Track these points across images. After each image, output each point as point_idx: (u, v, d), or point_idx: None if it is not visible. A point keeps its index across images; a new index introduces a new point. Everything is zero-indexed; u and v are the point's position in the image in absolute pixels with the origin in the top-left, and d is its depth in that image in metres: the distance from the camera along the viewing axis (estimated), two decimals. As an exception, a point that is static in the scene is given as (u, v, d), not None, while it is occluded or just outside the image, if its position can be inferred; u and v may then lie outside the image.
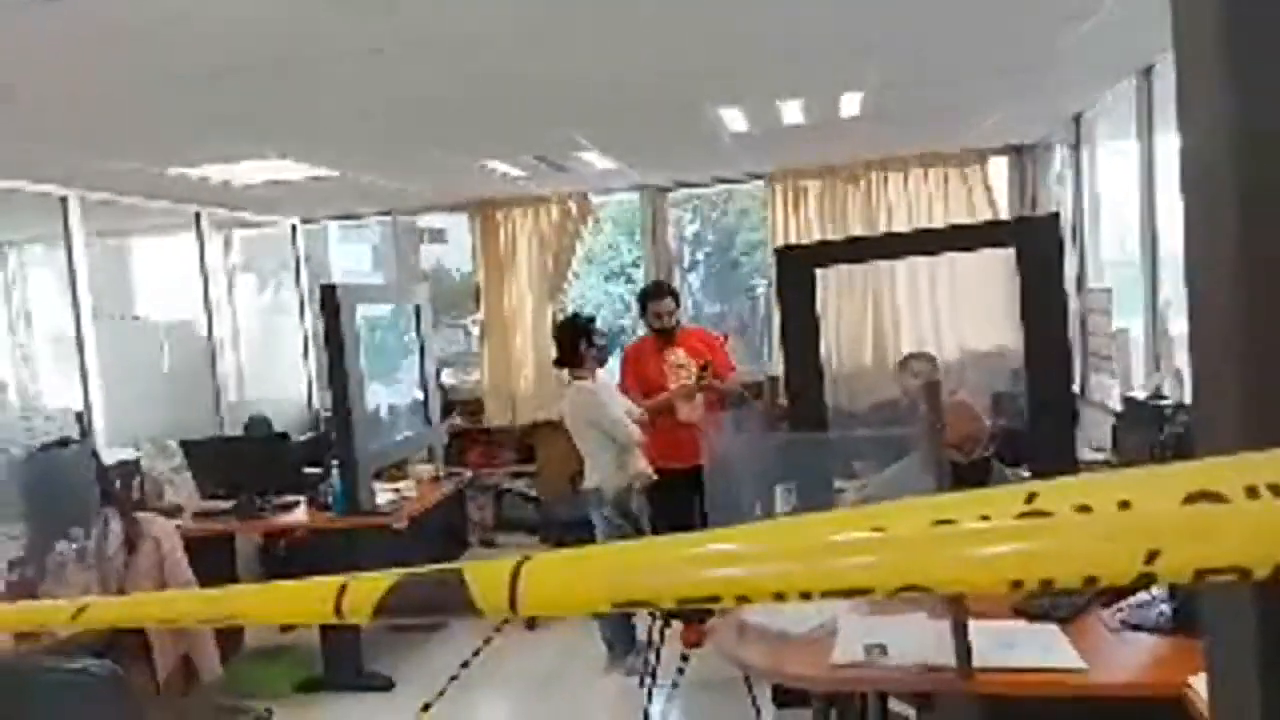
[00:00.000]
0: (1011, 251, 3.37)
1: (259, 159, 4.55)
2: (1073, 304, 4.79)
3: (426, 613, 0.65)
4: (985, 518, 0.52)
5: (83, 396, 4.88)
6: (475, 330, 6.96)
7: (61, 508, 3.13)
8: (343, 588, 0.65)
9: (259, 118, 3.77)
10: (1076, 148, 5.35)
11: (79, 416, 3.57)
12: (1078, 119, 5.21)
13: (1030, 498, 0.53)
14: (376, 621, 0.66)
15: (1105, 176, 5.21)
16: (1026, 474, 3.75)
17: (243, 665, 4.09)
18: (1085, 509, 0.51)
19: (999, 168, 6.06)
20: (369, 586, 0.65)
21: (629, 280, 9.79)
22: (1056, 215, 3.52)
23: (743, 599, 0.54)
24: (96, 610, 0.74)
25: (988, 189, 5.97)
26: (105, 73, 2.98)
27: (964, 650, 2.07)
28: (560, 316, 5.77)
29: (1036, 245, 3.19)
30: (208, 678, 3.45)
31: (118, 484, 3.89)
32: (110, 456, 4.29)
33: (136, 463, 4.45)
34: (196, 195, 5.51)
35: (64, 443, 3.47)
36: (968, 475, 2.81)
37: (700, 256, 10.23)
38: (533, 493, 6.63)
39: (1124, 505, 0.51)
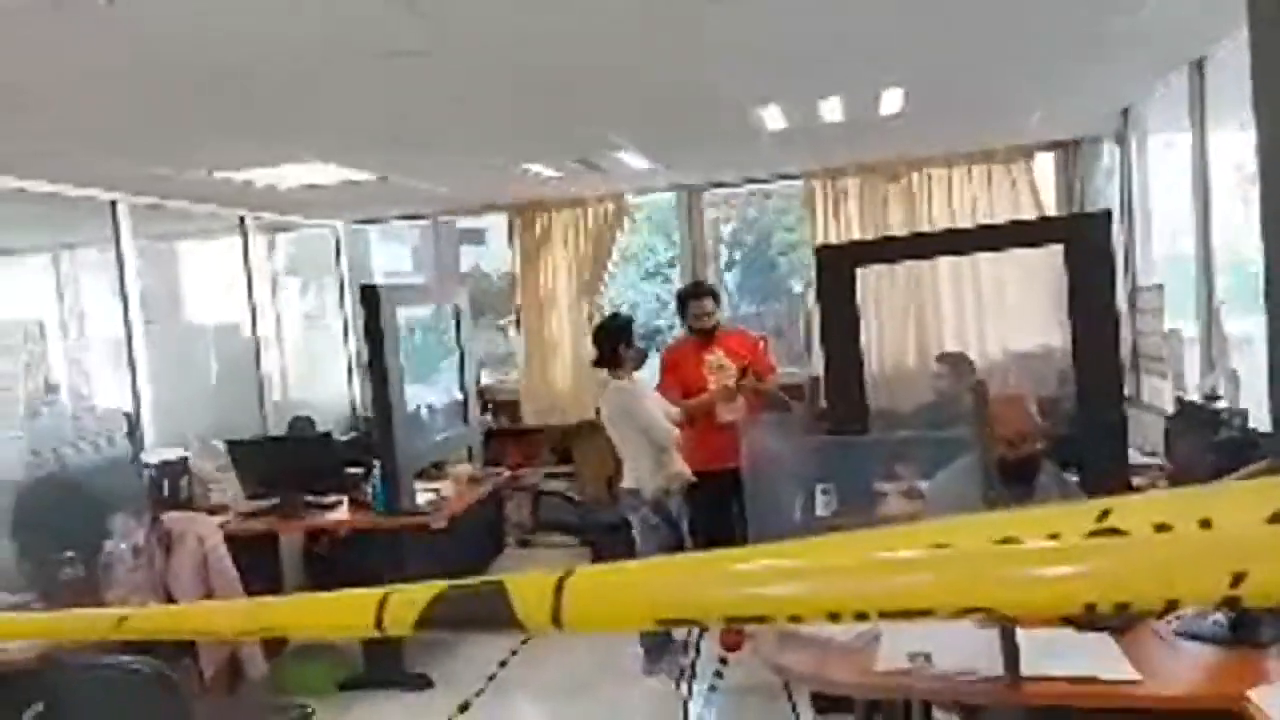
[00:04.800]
0: (1059, 249, 3.29)
1: (302, 162, 4.60)
2: (1122, 303, 4.67)
3: (468, 627, 0.63)
4: (1054, 536, 0.49)
5: (132, 397, 4.98)
6: (512, 331, 6.99)
7: (108, 508, 3.19)
8: (383, 600, 0.64)
9: (302, 122, 3.82)
10: (1125, 142, 5.21)
11: (128, 417, 3.64)
12: (1126, 113, 5.08)
13: (1103, 515, 0.50)
14: (417, 634, 0.64)
15: (1156, 172, 5.07)
16: (1074, 478, 3.67)
17: (286, 663, 4.15)
18: (1164, 528, 0.48)
19: (1045, 164, 5.92)
20: (410, 599, 0.63)
21: (665, 280, 9.76)
22: (1108, 212, 3.43)
23: (794, 619, 0.52)
24: (137, 621, 0.74)
25: (1033, 186, 5.84)
26: (152, 78, 3.03)
27: (1012, 659, 2.02)
28: (598, 317, 5.77)
29: (1087, 242, 3.11)
30: (253, 675, 3.51)
31: (165, 484, 3.97)
32: (158, 456, 4.38)
33: (184, 462, 4.53)
34: (241, 199, 5.60)
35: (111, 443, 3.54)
36: (1017, 472, 2.74)
37: (737, 256, 10.16)
38: (570, 493, 6.64)
39: (1205, 524, 0.48)
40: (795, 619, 0.52)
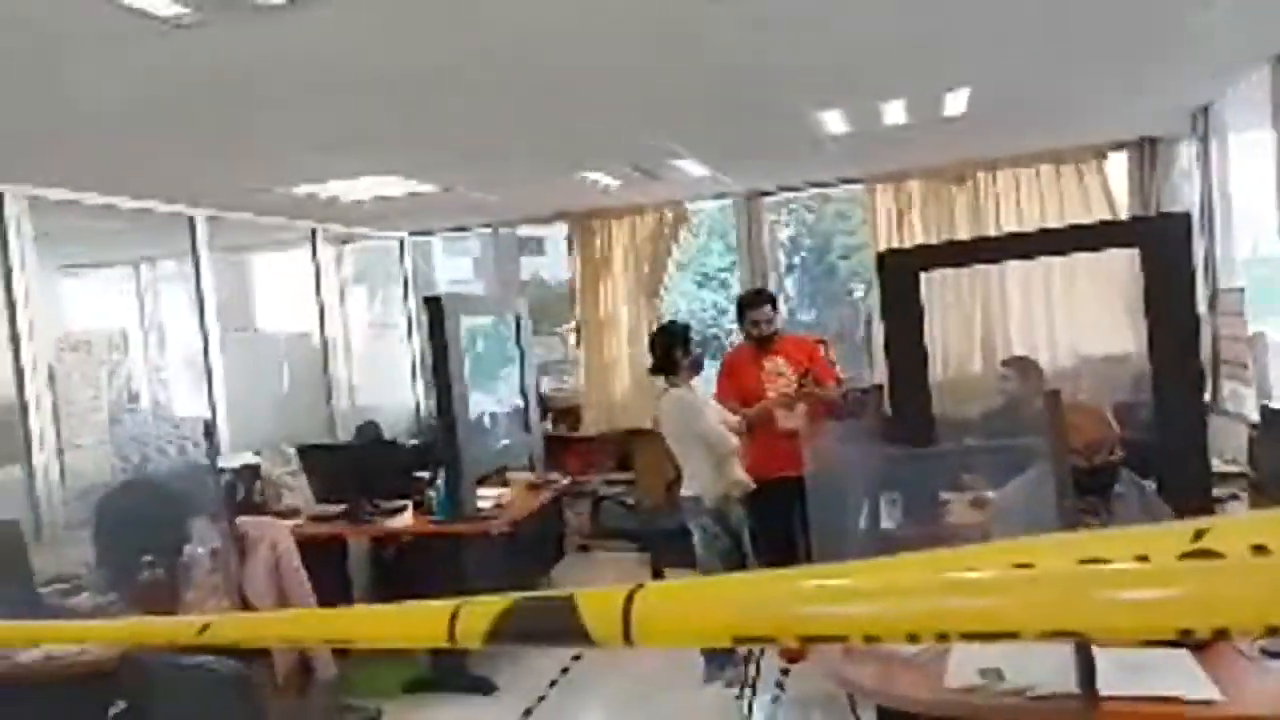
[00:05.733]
0: (1134, 252, 3.18)
1: (371, 175, 4.72)
2: (1201, 306, 4.49)
3: (538, 640, 0.64)
4: (1143, 558, 0.48)
5: (208, 404, 5.16)
6: (571, 338, 7.04)
7: (187, 512, 3.30)
8: (455, 612, 0.65)
9: (372, 137, 3.92)
10: (1204, 141, 5.01)
11: (206, 424, 3.77)
12: (1205, 110, 4.89)
13: (1197, 536, 0.47)
14: (488, 646, 0.65)
15: (1235, 171, 4.86)
16: (1152, 485, 3.54)
17: (355, 665, 4.23)
18: (1262, 550, 0.46)
19: (1118, 164, 5.74)
20: (481, 611, 0.64)
21: (722, 285, 9.72)
22: (1187, 214, 3.30)
23: (871, 639, 0.51)
24: (220, 628, 0.77)
25: (1105, 187, 5.66)
26: (232, 97, 3.15)
27: (1088, 677, 1.95)
28: (656, 325, 5.78)
29: (1164, 245, 2.99)
30: (323, 677, 3.59)
31: (239, 489, 4.10)
32: (232, 461, 4.52)
33: (257, 467, 4.67)
34: (312, 211, 5.76)
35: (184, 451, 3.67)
36: (1091, 483, 2.65)
37: (796, 261, 10.07)
38: (630, 500, 6.65)
39: (1308, 547, 0.45)
40: (872, 639, 0.51)
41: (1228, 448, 4.35)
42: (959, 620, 0.49)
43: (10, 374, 4.20)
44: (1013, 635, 0.48)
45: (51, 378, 4.31)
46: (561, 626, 0.61)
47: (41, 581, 3.49)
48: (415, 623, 0.67)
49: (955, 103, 4.10)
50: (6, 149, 3.67)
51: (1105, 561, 0.48)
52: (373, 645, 0.67)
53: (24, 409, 4.20)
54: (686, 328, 4.36)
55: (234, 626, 0.85)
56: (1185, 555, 0.47)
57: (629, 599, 0.59)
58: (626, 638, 0.59)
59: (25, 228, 4.26)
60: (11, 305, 4.19)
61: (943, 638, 0.49)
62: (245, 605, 3.33)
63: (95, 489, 4.00)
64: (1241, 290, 4.60)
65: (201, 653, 2.54)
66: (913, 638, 0.50)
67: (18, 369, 4.19)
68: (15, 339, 4.19)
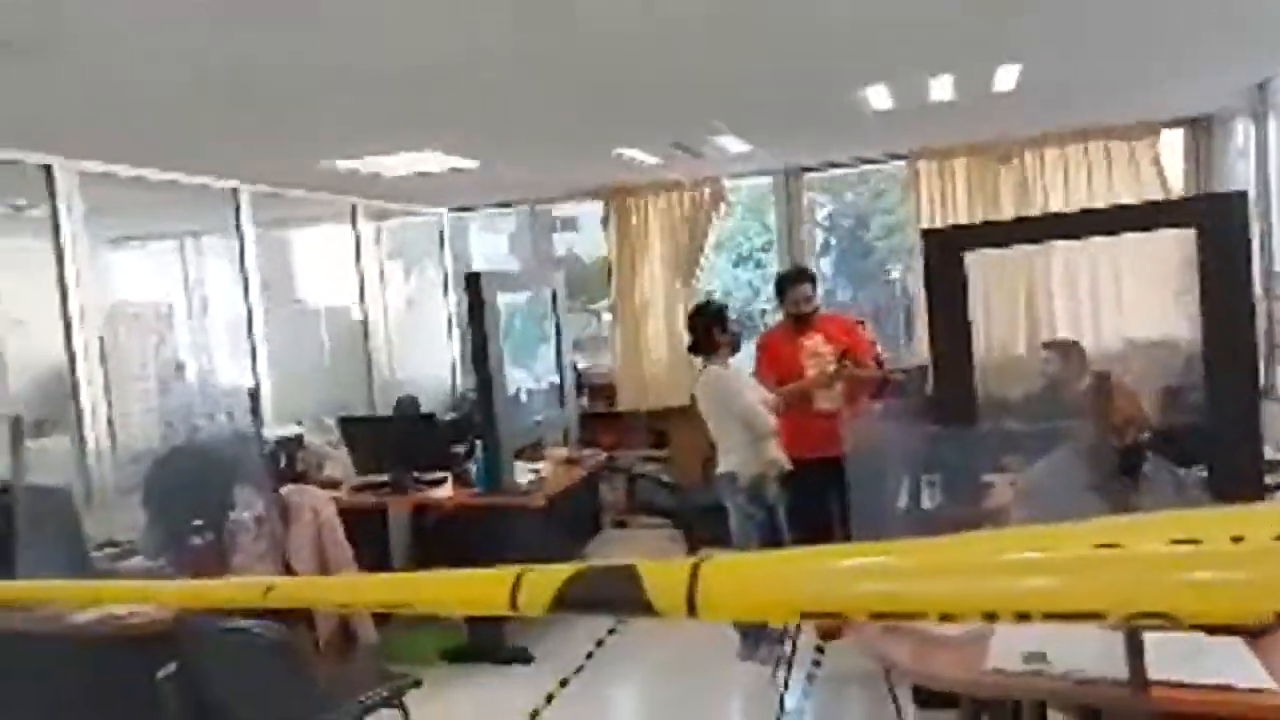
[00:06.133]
0: (1184, 233, 3.09)
1: (412, 151, 4.74)
2: (1256, 289, 4.37)
3: (600, 609, 0.64)
4: (1238, 539, 0.46)
5: (252, 375, 5.25)
6: (606, 315, 7.04)
7: (234, 480, 3.37)
8: (518, 580, 0.65)
9: (415, 114, 3.93)
10: (1262, 118, 4.85)
11: (251, 394, 3.84)
12: (1263, 87, 4.72)
13: (1295, 517, 0.46)
14: (549, 614, 0.65)
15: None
16: (1203, 474, 3.46)
17: (396, 632, 4.31)
18: (1367, 532, 0.44)
19: (1171, 142, 5.57)
20: (544, 580, 0.64)
21: (758, 265, 9.64)
22: (1244, 193, 3.20)
23: (947, 618, 0.50)
24: (284, 589, 0.78)
25: (1158, 165, 5.50)
26: (278, 74, 3.17)
27: (1138, 662, 1.92)
28: (692, 303, 5.75)
29: (1221, 225, 2.90)
30: (364, 642, 3.66)
31: (282, 459, 4.17)
32: (275, 432, 4.60)
33: (299, 438, 4.74)
34: (352, 187, 5.80)
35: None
36: (1122, 463, 2.61)
37: (833, 240, 9.95)
38: (665, 477, 6.67)
39: None
40: (947, 618, 0.50)
41: (1280, 434, 4.24)
42: (1041, 600, 0.47)
43: (62, 345, 4.30)
44: (1098, 617, 0.46)
45: (102, 348, 4.40)
46: (624, 596, 0.61)
47: (93, 546, 3.59)
48: (478, 589, 0.68)
49: (1005, 78, 4.00)
50: (57, 124, 3.74)
51: (1197, 542, 0.46)
52: (435, 611, 0.67)
53: (75, 378, 4.30)
54: (724, 306, 4.34)
55: (298, 589, 0.86)
56: (1282, 537, 0.46)
57: (694, 571, 0.59)
58: (690, 609, 0.58)
59: (76, 201, 4.34)
60: (63, 278, 4.29)
61: (1023, 617, 0.48)
62: (289, 572, 3.40)
63: (144, 456, 4.10)
64: (1299, 273, 4.47)
65: (250, 617, 2.60)
66: (990, 616, 0.49)
67: (69, 340, 4.29)
68: (67, 311, 4.29)
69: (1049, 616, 0.47)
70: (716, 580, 0.59)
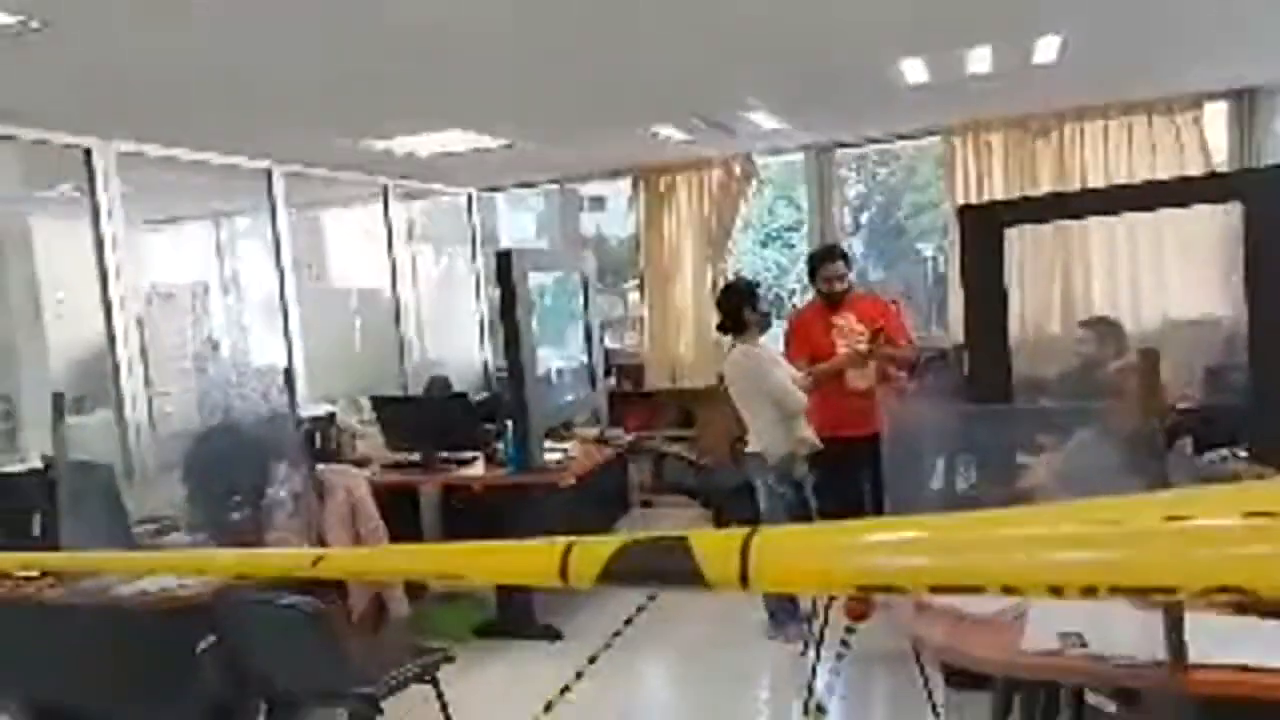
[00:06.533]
0: (1229, 209, 3.01)
1: (441, 130, 4.74)
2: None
3: (651, 581, 0.63)
4: (1316, 511, 0.44)
5: (286, 354, 5.31)
6: (634, 295, 7.03)
7: (270, 457, 3.42)
8: (568, 550, 0.64)
9: (445, 93, 3.93)
10: (1313, 89, 4.71)
11: (287, 373, 3.88)
12: (1315, 56, 4.58)
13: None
14: (599, 585, 0.65)
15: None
16: (1243, 454, 3.39)
17: (427, 607, 4.37)
18: None
19: (1216, 115, 5.43)
20: (594, 552, 0.64)
21: (787, 244, 9.56)
22: (1294, 166, 3.11)
23: (1011, 590, 0.49)
24: (334, 560, 0.78)
25: (1201, 139, 5.36)
26: (313, 52, 3.18)
27: (1178, 644, 1.89)
28: (722, 281, 5.72)
29: (1269, 199, 2.83)
30: (397, 615, 3.71)
31: (316, 437, 4.22)
32: (309, 411, 4.65)
33: (332, 417, 4.80)
34: (384, 167, 5.82)
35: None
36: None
37: (864, 219, 9.84)
38: (692, 457, 6.67)
39: None
40: (1010, 590, 0.49)
41: (1326, 415, 4.13)
42: (1110, 573, 0.46)
43: (102, 324, 4.38)
44: (1170, 591, 0.45)
45: (140, 327, 4.47)
46: (675, 567, 0.60)
47: (134, 521, 3.66)
48: (528, 560, 0.67)
49: (1046, 50, 3.91)
50: (95, 105, 3.78)
51: (1274, 515, 0.45)
52: (484, 581, 0.67)
53: (115, 358, 4.38)
54: (755, 285, 4.31)
55: (347, 560, 0.87)
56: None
57: (746, 544, 0.58)
58: (744, 581, 0.57)
59: (113, 182, 4.40)
60: (102, 258, 4.35)
61: (1090, 592, 0.47)
62: (324, 547, 3.45)
63: (182, 434, 4.17)
64: (1348, 249, 4.34)
65: (287, 590, 2.64)
66: (1056, 590, 0.48)
67: (108, 319, 4.37)
68: (106, 290, 4.36)
69: (1115, 590, 0.46)
70: (769, 552, 0.58)
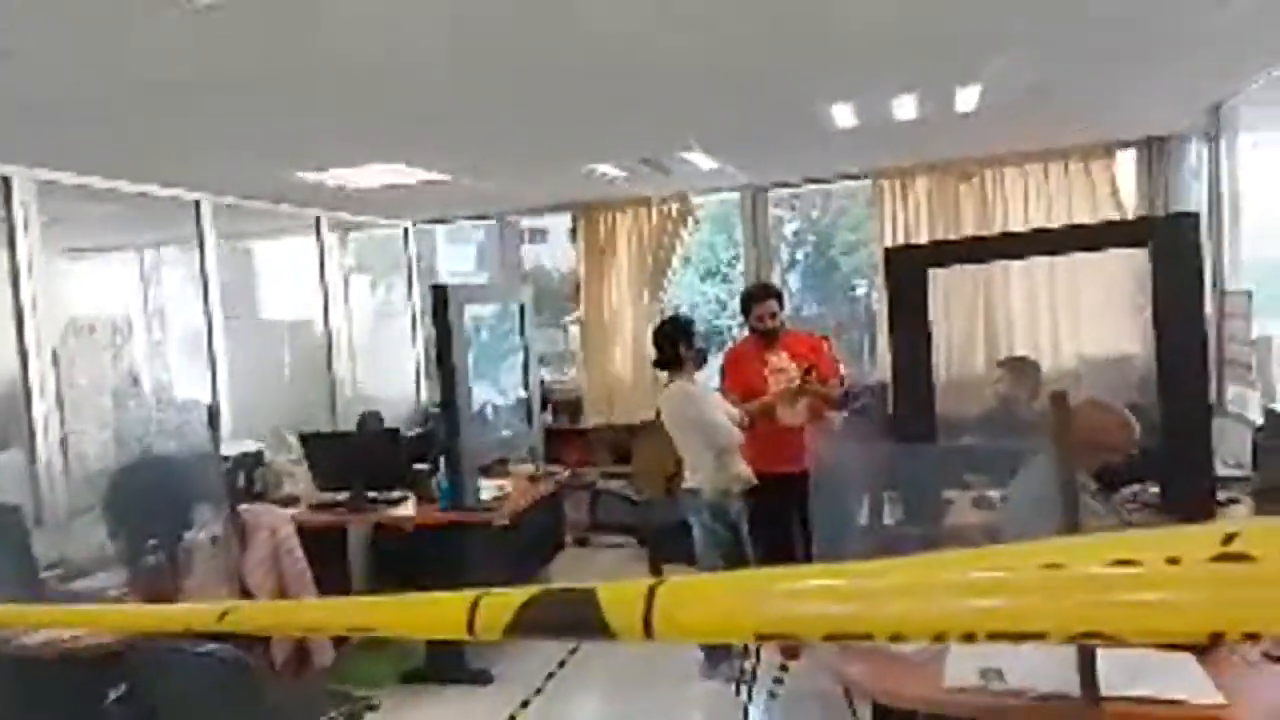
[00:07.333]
0: (1138, 252, 3.17)
1: (378, 163, 4.71)
2: (1207, 308, 4.49)
3: (558, 633, 0.63)
4: (1174, 561, 0.47)
5: (211, 391, 5.16)
6: (574, 329, 7.03)
7: (190, 498, 3.30)
8: (475, 603, 0.64)
9: (379, 123, 3.91)
10: (1215, 140, 5.00)
11: (210, 410, 3.77)
12: (1216, 109, 4.87)
13: (1228, 539, 0.47)
14: (507, 639, 0.65)
15: (1245, 171, 4.85)
16: (1154, 490, 3.53)
17: (352, 654, 4.24)
18: (1295, 555, 0.46)
19: (1126, 162, 5.72)
20: (502, 604, 0.64)
21: (725, 280, 9.71)
22: (1196, 215, 3.29)
23: (897, 638, 0.51)
24: (241, 614, 0.76)
25: (1114, 185, 5.64)
26: (241, 83, 3.14)
27: (1090, 679, 1.95)
28: (660, 317, 5.78)
29: (1174, 244, 2.98)
30: (320, 664, 3.59)
31: (241, 476, 4.10)
32: (234, 448, 4.52)
33: (259, 454, 4.67)
34: (317, 199, 5.75)
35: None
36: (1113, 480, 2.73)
37: (800, 256, 10.06)
38: (628, 494, 6.66)
39: (1342, 552, 0.45)
40: (898, 638, 0.51)
41: (1231, 451, 4.35)
42: (987, 621, 0.48)
43: (15, 357, 4.20)
44: (1041, 637, 0.47)
45: (55, 362, 4.30)
46: (582, 619, 0.61)
47: (43, 566, 3.49)
48: (435, 613, 0.67)
49: (966, 99, 4.08)
50: (14, 132, 3.66)
51: (1136, 564, 0.48)
52: (393, 634, 0.67)
53: (28, 393, 4.20)
54: (691, 321, 4.37)
55: (255, 614, 0.84)
56: (1216, 559, 0.47)
57: (651, 593, 0.59)
58: (647, 632, 0.58)
59: (32, 212, 4.25)
60: (16, 289, 4.19)
61: (969, 638, 0.49)
62: (245, 593, 3.33)
63: (98, 475, 4.00)
64: (1248, 293, 4.60)
65: (202, 638, 2.54)
66: (939, 637, 0.50)
67: (22, 352, 4.19)
68: (20, 322, 4.18)
69: (994, 636, 0.48)
70: (673, 602, 0.59)
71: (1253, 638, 0.45)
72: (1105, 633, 0.46)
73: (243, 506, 3.57)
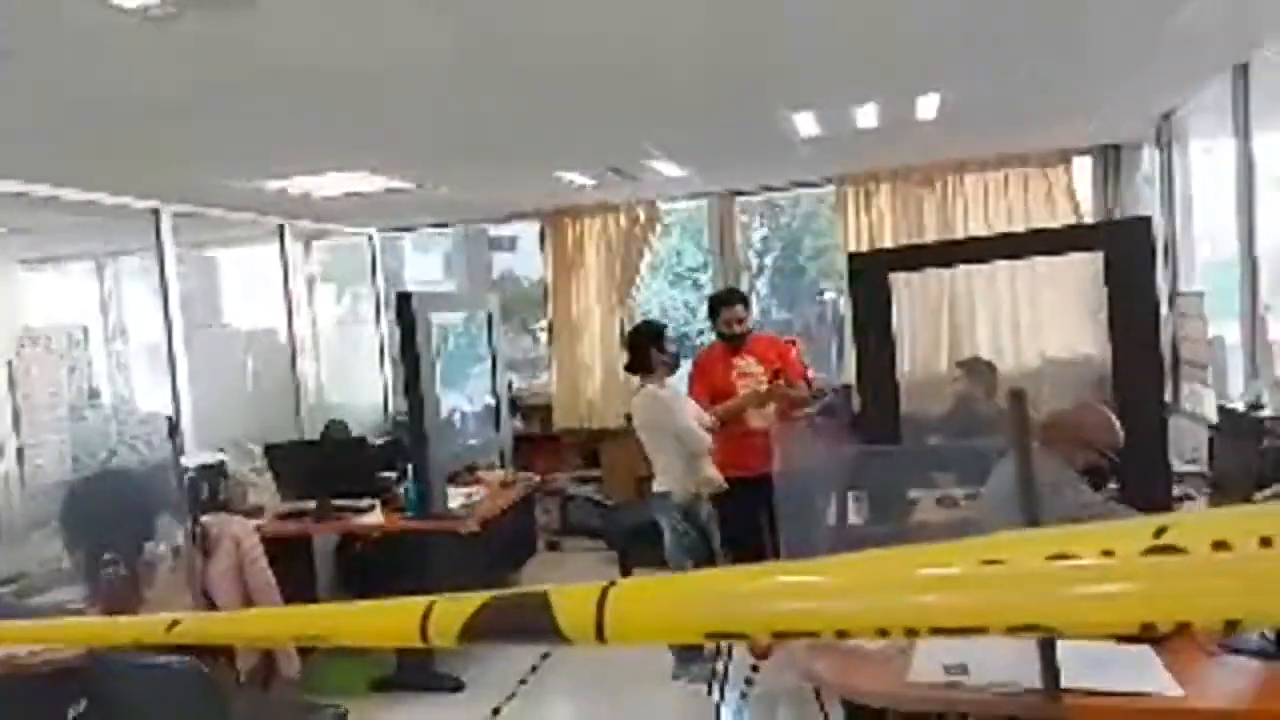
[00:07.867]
0: (1097, 256, 3.24)
1: (342, 171, 4.67)
2: (1161, 309, 4.59)
3: (511, 638, 0.64)
4: (1109, 553, 0.49)
5: (172, 401, 5.07)
6: (543, 336, 7.02)
7: (151, 510, 3.24)
8: (428, 610, 0.64)
9: (342, 132, 3.88)
10: (1166, 147, 5.12)
11: (170, 420, 3.71)
12: (1168, 117, 4.99)
13: (1159, 532, 0.49)
14: (460, 645, 0.65)
15: (1196, 177, 4.98)
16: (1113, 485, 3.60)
17: (320, 663, 4.19)
18: (1223, 546, 0.47)
19: (1083, 169, 5.84)
20: (455, 609, 0.64)
21: (695, 285, 9.75)
22: (1148, 219, 3.37)
23: (843, 634, 0.51)
24: (190, 625, 0.75)
25: (1070, 191, 5.76)
26: (201, 90, 3.10)
27: (1051, 671, 1.98)
28: (629, 323, 5.78)
29: (1127, 249, 3.05)
30: (287, 674, 3.55)
31: (204, 487, 4.03)
32: (197, 459, 4.45)
33: (222, 465, 4.59)
34: (280, 207, 5.68)
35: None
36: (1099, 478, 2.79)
37: (768, 261, 10.13)
38: (599, 498, 6.65)
39: (1266, 543, 0.47)
40: (843, 634, 0.52)
41: (1187, 448, 4.44)
42: (929, 616, 0.49)
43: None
44: (981, 631, 0.49)
45: (10, 374, 4.21)
46: (535, 624, 0.61)
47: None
48: (387, 620, 0.67)
49: (926, 107, 4.14)
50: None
51: (1073, 557, 0.49)
52: (344, 643, 0.67)
53: (-19, 405, 4.11)
54: (662, 326, 4.39)
55: (203, 625, 0.83)
56: (1148, 551, 0.48)
57: (602, 596, 0.59)
58: (599, 635, 0.59)
59: (-16, 220, 4.17)
60: (-32, 299, 4.10)
61: (912, 633, 0.50)
62: (209, 604, 3.28)
63: (55, 488, 3.92)
64: (1201, 294, 4.71)
65: (165, 650, 2.50)
66: (883, 633, 0.51)
67: (-26, 364, 4.10)
68: (-28, 334, 4.10)
69: (935, 631, 0.49)
70: (624, 604, 0.59)
71: (1183, 628, 0.47)
72: (1044, 625, 0.47)
73: (206, 517, 3.52)
